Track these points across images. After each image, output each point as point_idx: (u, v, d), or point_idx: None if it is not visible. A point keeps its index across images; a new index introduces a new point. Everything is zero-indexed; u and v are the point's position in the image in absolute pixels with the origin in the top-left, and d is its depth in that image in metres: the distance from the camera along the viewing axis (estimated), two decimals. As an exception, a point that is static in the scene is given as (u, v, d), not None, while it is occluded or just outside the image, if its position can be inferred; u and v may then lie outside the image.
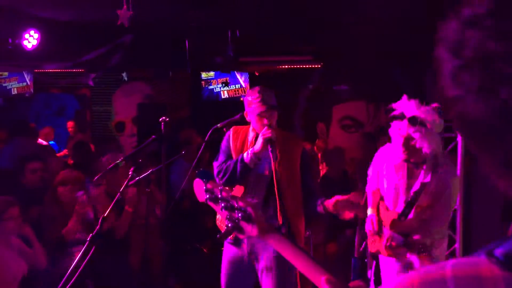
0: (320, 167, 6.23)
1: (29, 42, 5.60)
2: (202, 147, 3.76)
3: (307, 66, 8.10)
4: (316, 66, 8.00)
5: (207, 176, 3.27)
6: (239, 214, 1.51)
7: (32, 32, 5.60)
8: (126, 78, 8.13)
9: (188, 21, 5.75)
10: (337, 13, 5.71)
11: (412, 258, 3.08)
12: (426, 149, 2.97)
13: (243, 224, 1.51)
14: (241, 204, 1.52)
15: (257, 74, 8.18)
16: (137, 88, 9.33)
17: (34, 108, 10.52)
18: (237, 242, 3.09)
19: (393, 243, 3.06)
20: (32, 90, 9.58)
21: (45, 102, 10.49)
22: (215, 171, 3.19)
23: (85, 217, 3.66)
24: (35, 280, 3.54)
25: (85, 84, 8.72)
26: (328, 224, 4.95)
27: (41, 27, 5.70)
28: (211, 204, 1.65)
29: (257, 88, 3.17)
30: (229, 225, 1.54)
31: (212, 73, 8.19)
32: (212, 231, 4.01)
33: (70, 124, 9.00)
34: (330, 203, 2.86)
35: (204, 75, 8.22)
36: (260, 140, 2.99)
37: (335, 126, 8.48)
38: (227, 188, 1.66)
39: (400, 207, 3.12)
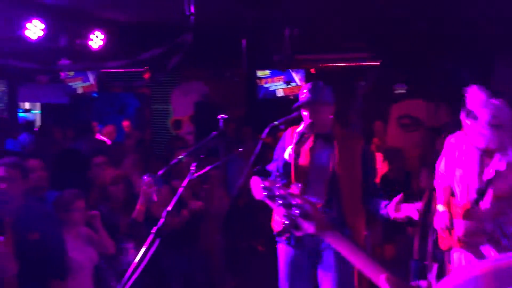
0: (380, 166, 6.11)
1: (95, 42, 5.86)
2: (259, 145, 3.78)
3: (365, 63, 7.97)
4: (374, 63, 7.86)
5: (265, 173, 3.30)
6: (297, 211, 1.51)
7: (97, 33, 5.86)
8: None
9: (245, 20, 5.80)
10: (395, 10, 5.58)
11: (485, 248, 2.95)
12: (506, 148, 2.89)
13: (301, 221, 1.50)
14: (298, 201, 1.52)
15: (313, 71, 8.13)
16: (195, 87, 9.52)
17: (96, 107, 11.01)
18: (294, 241, 3.08)
19: (468, 232, 2.95)
20: (96, 90, 10.04)
21: (107, 101, 10.95)
22: (271, 169, 3.22)
23: (150, 198, 3.75)
24: (105, 270, 3.69)
25: (145, 83, 9.01)
26: (386, 225, 4.84)
27: (106, 28, 5.95)
28: (268, 201, 1.65)
29: (310, 83, 3.17)
30: (286, 222, 1.54)
31: (267, 72, 8.23)
32: (267, 229, 4.04)
33: (126, 123, 9.35)
34: (392, 208, 2.81)
35: (259, 73, 8.28)
36: (295, 135, 3.00)
37: (393, 125, 8.28)
38: (284, 185, 1.67)
39: (472, 195, 3.00)
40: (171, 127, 9.94)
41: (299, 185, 2.71)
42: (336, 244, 1.49)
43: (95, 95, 10.06)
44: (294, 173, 3.06)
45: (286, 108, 3.34)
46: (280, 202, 1.53)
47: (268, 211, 3.41)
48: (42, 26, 5.22)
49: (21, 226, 3.11)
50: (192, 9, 4.89)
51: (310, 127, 3.05)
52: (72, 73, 9.93)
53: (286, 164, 3.09)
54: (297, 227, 1.51)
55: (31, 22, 5.12)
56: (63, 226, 3.45)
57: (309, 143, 3.12)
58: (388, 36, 6.52)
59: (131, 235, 3.85)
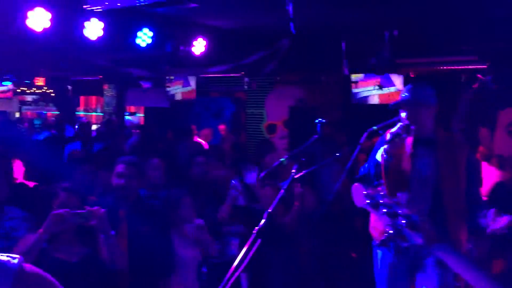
0: (487, 175, 5.72)
1: (197, 49, 6.13)
2: (357, 150, 3.70)
3: (469, 66, 7.51)
4: (479, 66, 7.37)
5: (367, 181, 3.23)
6: (403, 221, 1.46)
7: (200, 40, 6.12)
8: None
9: (344, 23, 5.74)
10: (502, 10, 5.20)
11: None
12: None
13: (407, 231, 1.46)
14: (405, 211, 1.47)
15: (412, 75, 7.83)
16: (289, 91, 9.59)
17: (195, 111, 11.49)
18: (395, 249, 2.99)
19: None
20: (195, 94, 10.50)
21: (205, 105, 11.39)
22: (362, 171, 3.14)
23: (236, 202, 3.85)
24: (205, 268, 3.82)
25: (241, 88, 9.24)
26: (494, 239, 4.51)
27: (208, 35, 6.20)
28: (370, 209, 1.62)
29: (411, 83, 3.07)
30: (391, 231, 1.50)
31: (361, 75, 8.04)
32: (361, 235, 3.95)
33: (221, 127, 9.68)
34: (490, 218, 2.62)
35: (353, 76, 8.12)
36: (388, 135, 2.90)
37: (501, 132, 7.70)
38: (389, 194, 1.62)
39: None
40: (265, 131, 10.10)
41: (404, 194, 2.61)
42: (446, 257, 1.42)
43: (194, 99, 10.51)
44: (385, 175, 2.95)
45: (382, 113, 3.25)
46: (385, 210, 1.49)
47: (363, 218, 3.34)
48: (151, 34, 5.57)
49: (133, 221, 3.33)
50: (291, 14, 4.94)
51: (406, 128, 2.94)
52: (172, 78, 10.45)
53: (378, 165, 3.00)
54: (402, 237, 1.47)
55: (141, 30, 5.48)
56: (171, 223, 3.64)
57: (408, 148, 3.01)
58: (494, 37, 6.09)
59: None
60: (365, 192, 1.49)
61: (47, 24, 4.60)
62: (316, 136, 3.25)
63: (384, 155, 2.95)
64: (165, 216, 3.65)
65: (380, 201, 1.45)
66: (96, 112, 14.17)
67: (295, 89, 9.49)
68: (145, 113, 12.90)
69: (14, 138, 6.20)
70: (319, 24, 6.10)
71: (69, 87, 11.64)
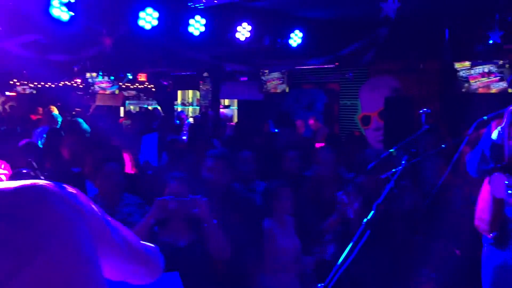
0: None
1: (294, 41, 6.17)
2: (464, 141, 3.51)
3: None
4: None
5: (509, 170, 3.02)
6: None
7: (297, 32, 6.15)
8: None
9: (448, 8, 5.45)
10: None
11: None
12: None
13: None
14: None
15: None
16: (384, 81, 9.30)
17: (287, 103, 11.54)
18: (505, 244, 2.80)
19: None
20: (288, 86, 10.55)
21: (296, 97, 11.40)
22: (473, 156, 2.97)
23: (345, 216, 3.81)
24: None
25: (335, 79, 9.13)
26: None
27: (305, 27, 6.21)
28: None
29: None
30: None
31: (467, 63, 7.59)
32: (467, 232, 3.76)
33: (311, 122, 9.62)
34: None
35: (457, 65, 7.69)
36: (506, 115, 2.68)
37: None
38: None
39: None
40: (359, 123, 9.90)
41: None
42: None
43: (287, 91, 10.56)
44: (508, 155, 2.72)
45: (487, 103, 3.05)
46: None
47: (470, 212, 3.16)
48: (250, 28, 5.69)
49: (223, 214, 3.42)
50: (391, 1, 4.80)
51: None
52: (266, 71, 10.59)
53: (494, 145, 2.80)
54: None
55: (241, 25, 5.62)
56: (268, 213, 3.71)
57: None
58: None
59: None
60: (507, 182, 1.41)
61: (155, 23, 4.87)
62: (427, 126, 3.13)
63: (504, 133, 2.74)
64: (258, 208, 3.69)
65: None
66: (192, 106, 14.76)
67: (391, 78, 9.19)
68: (238, 106, 13.20)
69: (121, 131, 6.63)
70: (420, 11, 5.85)
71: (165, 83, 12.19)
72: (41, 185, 1.10)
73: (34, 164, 2.49)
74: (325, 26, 6.42)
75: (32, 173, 2.37)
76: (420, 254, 5.15)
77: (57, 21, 4.23)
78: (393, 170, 3.16)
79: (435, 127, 5.97)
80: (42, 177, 2.42)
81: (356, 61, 6.60)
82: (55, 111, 8.88)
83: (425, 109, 3.66)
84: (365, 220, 2.42)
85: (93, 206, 1.16)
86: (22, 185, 1.08)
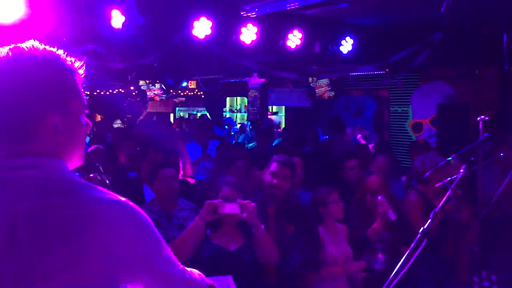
0: None
1: (345, 48, 6.14)
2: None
3: None
4: None
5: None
6: None
7: (348, 39, 6.12)
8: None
9: (507, 12, 5.27)
10: None
11: None
12: None
13: None
14: None
15: None
16: (437, 87, 9.08)
17: (335, 109, 11.47)
18: None
19: None
20: (336, 93, 10.49)
21: (345, 103, 11.31)
22: None
23: (387, 217, 3.75)
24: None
25: (385, 85, 8.99)
26: None
27: (355, 33, 6.17)
28: None
29: None
30: None
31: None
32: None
33: (359, 136, 9.43)
34: None
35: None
36: None
37: None
38: None
39: None
40: (410, 130, 9.70)
41: None
42: None
43: (335, 98, 10.50)
44: None
45: None
46: None
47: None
48: (300, 35, 5.72)
49: (281, 218, 3.42)
50: (446, 6, 4.69)
51: None
52: (315, 80, 10.57)
53: None
54: None
55: (292, 32, 5.67)
56: (319, 220, 3.69)
57: None
58: None
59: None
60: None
61: (208, 32, 4.99)
62: (487, 134, 3.05)
63: None
64: (313, 214, 3.66)
65: None
66: (240, 112, 14.92)
67: (444, 85, 8.96)
68: (286, 112, 13.23)
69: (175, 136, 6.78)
70: (477, 15, 5.69)
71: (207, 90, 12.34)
72: (128, 206, 1.27)
73: (101, 168, 2.62)
74: (376, 32, 6.35)
75: (99, 177, 2.49)
76: (477, 265, 4.98)
77: (116, 30, 4.43)
78: (450, 178, 3.10)
79: (493, 135, 5.77)
80: (107, 181, 2.55)
81: (408, 67, 6.47)
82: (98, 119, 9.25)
83: (482, 117, 3.56)
84: (422, 229, 2.40)
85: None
86: (116, 199, 1.26)
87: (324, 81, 11.12)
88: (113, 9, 4.35)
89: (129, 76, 9.40)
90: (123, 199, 1.29)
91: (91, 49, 5.55)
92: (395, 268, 2.34)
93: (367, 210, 4.14)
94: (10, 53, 1.23)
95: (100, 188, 1.27)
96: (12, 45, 1.23)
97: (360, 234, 3.92)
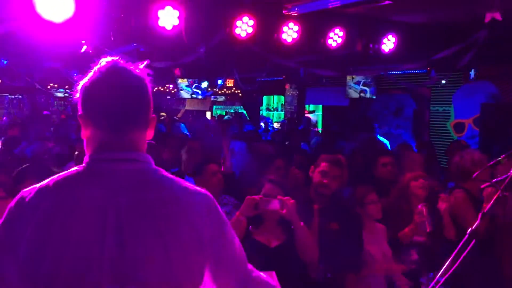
0: None
1: (386, 46, 6.07)
2: None
3: None
4: None
5: None
6: None
7: (390, 37, 6.04)
8: (473, 77, 7.83)
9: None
10: None
11: None
12: None
13: None
14: None
15: None
16: (481, 87, 8.85)
17: (373, 108, 11.33)
18: None
19: None
20: (375, 92, 10.35)
21: (384, 102, 11.15)
22: None
23: (421, 227, 3.69)
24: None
25: (426, 84, 8.82)
26: None
27: (398, 31, 6.09)
28: None
29: None
30: None
31: None
32: None
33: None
34: None
35: None
36: None
37: None
38: None
39: None
40: (452, 130, 9.50)
41: None
42: None
43: (373, 97, 10.37)
44: None
45: None
46: None
47: None
48: (341, 33, 5.69)
49: (326, 216, 3.42)
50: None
51: None
52: (353, 77, 10.47)
53: None
54: None
55: (333, 31, 5.64)
56: (361, 220, 3.67)
57: None
58: None
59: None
60: None
61: (250, 30, 5.03)
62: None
63: None
64: (354, 214, 3.64)
65: None
66: (277, 111, 14.95)
67: (488, 84, 8.72)
68: (323, 111, 13.17)
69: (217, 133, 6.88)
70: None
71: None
72: (210, 197, 1.40)
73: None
74: (419, 30, 6.24)
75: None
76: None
77: (162, 30, 4.53)
78: (499, 179, 3.03)
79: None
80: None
81: (451, 65, 6.34)
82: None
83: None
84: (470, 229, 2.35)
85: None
86: (199, 190, 1.39)
87: (363, 80, 11.00)
88: (160, 8, 4.46)
89: (171, 74, 9.58)
90: (203, 190, 1.40)
91: (134, 48, 5.70)
92: (441, 269, 2.32)
93: (401, 210, 4.09)
94: (117, 63, 1.37)
95: (180, 179, 1.39)
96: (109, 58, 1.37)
97: (392, 233, 3.89)
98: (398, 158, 5.15)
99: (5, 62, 7.86)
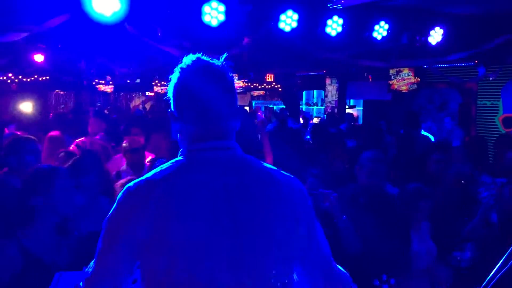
0: None
1: (433, 38, 5.92)
2: None
3: None
4: None
5: None
6: None
7: (437, 29, 5.89)
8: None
9: None
10: None
11: None
12: None
13: None
14: None
15: None
16: (532, 80, 8.52)
17: (417, 103, 11.08)
18: None
19: None
20: (418, 85, 10.13)
21: (428, 96, 10.89)
22: None
23: (488, 219, 3.60)
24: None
25: (473, 78, 8.56)
26: None
27: (446, 23, 5.92)
28: None
29: None
30: None
31: None
32: None
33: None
34: None
35: None
36: None
37: None
38: None
39: None
40: (500, 125, 9.18)
41: None
42: None
43: (417, 91, 10.16)
44: None
45: None
46: None
47: None
48: (387, 26, 5.59)
49: (372, 211, 3.37)
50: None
51: None
52: (397, 70, 10.28)
53: None
54: None
55: (378, 24, 5.55)
56: (408, 219, 3.61)
57: None
58: None
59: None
60: None
61: (295, 25, 5.02)
62: None
63: None
64: (405, 211, 3.59)
65: None
66: (317, 106, 14.84)
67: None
68: (364, 106, 12.98)
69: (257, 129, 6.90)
70: None
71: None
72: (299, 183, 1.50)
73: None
74: (468, 22, 6.05)
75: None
76: None
77: (206, 26, 4.59)
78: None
79: None
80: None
81: (500, 58, 6.13)
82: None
83: None
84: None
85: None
86: (285, 174, 1.49)
87: (406, 74, 10.77)
88: (206, 2, 4.52)
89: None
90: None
91: (177, 44, 5.79)
92: (494, 267, 2.25)
93: (458, 204, 4.00)
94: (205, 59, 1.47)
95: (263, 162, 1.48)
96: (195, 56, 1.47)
97: (448, 229, 3.81)
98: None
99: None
